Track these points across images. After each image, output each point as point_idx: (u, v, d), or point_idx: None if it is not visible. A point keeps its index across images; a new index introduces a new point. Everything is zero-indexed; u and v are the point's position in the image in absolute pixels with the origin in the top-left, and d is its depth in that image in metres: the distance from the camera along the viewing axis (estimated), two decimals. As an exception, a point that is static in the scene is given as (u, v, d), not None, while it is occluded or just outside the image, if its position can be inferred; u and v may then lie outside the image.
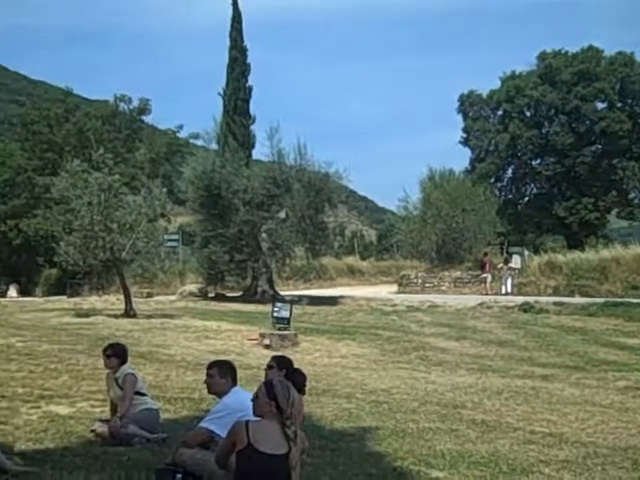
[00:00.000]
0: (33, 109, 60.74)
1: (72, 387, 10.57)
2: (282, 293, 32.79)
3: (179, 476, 5.06)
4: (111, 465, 6.31)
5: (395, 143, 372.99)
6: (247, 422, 4.91)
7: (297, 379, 6.62)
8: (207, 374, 6.44)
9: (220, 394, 6.39)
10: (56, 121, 56.31)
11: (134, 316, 23.50)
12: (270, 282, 33.25)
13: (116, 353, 7.91)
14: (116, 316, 23.34)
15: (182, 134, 59.64)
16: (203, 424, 6.09)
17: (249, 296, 32.15)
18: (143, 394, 7.85)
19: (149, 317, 23.31)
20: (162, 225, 28.28)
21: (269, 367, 7.18)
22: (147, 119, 60.69)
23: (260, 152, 40.58)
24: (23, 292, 47.44)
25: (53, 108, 57.85)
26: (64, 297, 37.81)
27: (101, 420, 7.69)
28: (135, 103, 58.40)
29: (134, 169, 49.14)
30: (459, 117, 57.89)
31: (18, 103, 71.16)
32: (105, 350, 8.04)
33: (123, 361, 7.85)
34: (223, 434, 5.70)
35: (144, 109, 58.50)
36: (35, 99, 68.83)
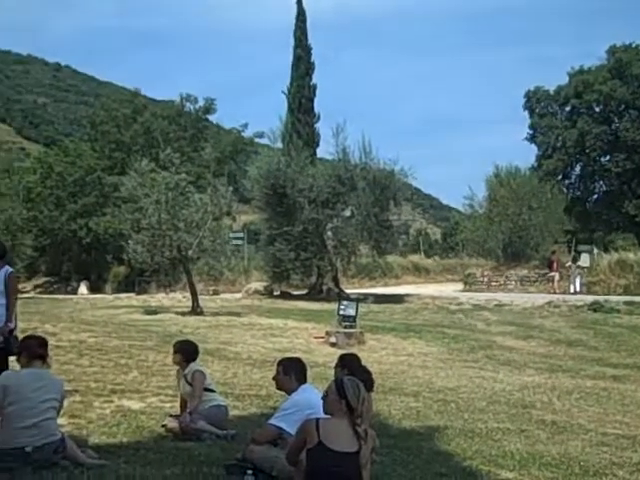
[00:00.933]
0: (102, 110, 61.90)
1: (142, 382, 10.74)
2: (347, 291, 32.78)
3: (249, 472, 5.08)
4: (182, 460, 6.37)
5: (460, 140, 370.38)
6: (317, 420, 4.91)
7: (363, 377, 6.60)
8: (276, 371, 6.48)
9: (288, 391, 6.40)
10: (124, 121, 57.26)
11: (201, 313, 23.77)
12: (335, 280, 33.29)
13: (183, 350, 8.00)
14: (183, 313, 23.63)
15: (247, 133, 60.14)
16: (272, 421, 6.11)
17: (314, 294, 32.24)
18: (212, 390, 7.92)
19: (216, 314, 23.54)
20: (227, 223, 28.49)
21: (336, 366, 7.18)
22: (212, 118, 61.34)
23: (325, 150, 40.87)
24: (93, 289, 48.39)
25: (121, 109, 58.85)
26: (133, 294, 38.45)
27: (171, 415, 7.78)
28: (200, 103, 59.08)
29: (200, 168, 49.61)
30: (525, 113, 57.02)
31: (87, 104, 72.29)
32: (174, 346, 8.15)
33: (192, 358, 7.92)
34: (292, 431, 5.71)
35: (209, 108, 59.10)
36: (104, 100, 70.13)
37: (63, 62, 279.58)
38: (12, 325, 9.01)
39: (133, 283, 44.79)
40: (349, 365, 6.87)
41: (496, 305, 27.60)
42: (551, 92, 55.77)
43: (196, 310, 24.24)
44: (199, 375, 7.73)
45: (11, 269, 9.48)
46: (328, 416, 4.98)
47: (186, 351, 7.95)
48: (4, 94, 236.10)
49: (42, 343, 6.58)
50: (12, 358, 8.14)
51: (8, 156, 64.89)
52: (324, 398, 5.07)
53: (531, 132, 56.67)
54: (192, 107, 59.13)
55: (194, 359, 7.93)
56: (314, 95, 44.20)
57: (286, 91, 43.67)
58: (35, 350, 6.44)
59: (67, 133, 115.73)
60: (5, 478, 5.47)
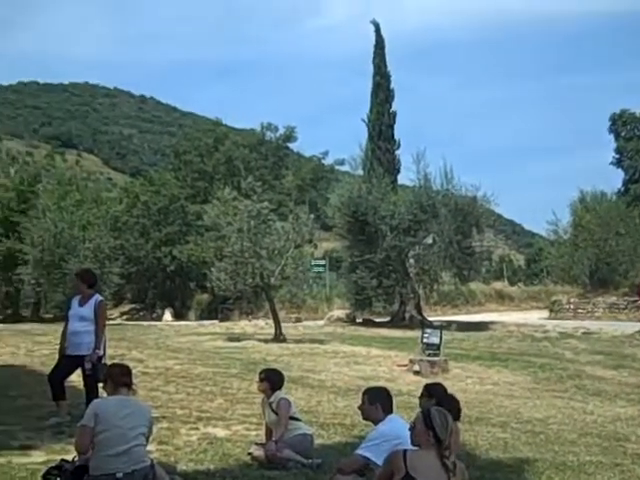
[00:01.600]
0: (185, 140, 63.24)
1: (227, 410, 10.79)
2: (430, 318, 32.47)
3: (337, 502, 5.03)
4: (268, 489, 6.37)
5: (542, 165, 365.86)
6: (405, 451, 4.83)
7: (450, 405, 6.49)
8: (361, 400, 6.42)
9: (374, 421, 6.34)
10: (206, 151, 58.33)
11: (284, 341, 23.84)
12: (418, 307, 33.06)
13: (269, 378, 8.01)
14: (266, 341, 23.75)
15: (327, 160, 60.48)
16: (359, 451, 6.05)
17: (397, 321, 32.08)
18: (297, 419, 7.91)
19: (298, 342, 23.58)
20: (309, 251, 28.65)
21: (422, 396, 7.07)
22: (293, 146, 61.93)
23: (405, 177, 40.65)
24: (177, 316, 49.14)
25: (204, 138, 59.99)
26: (216, 321, 38.87)
27: (257, 443, 7.79)
28: (281, 131, 59.78)
29: (281, 196, 50.14)
30: (611, 137, 55.92)
31: (170, 134, 73.90)
32: (260, 374, 8.17)
33: (277, 387, 7.93)
34: (379, 462, 5.64)
35: (290, 136, 59.73)
36: (186, 130, 71.58)
37: (148, 94, 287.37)
38: (101, 352, 9.22)
39: (216, 310, 45.31)
40: (436, 395, 6.77)
41: (584, 333, 26.95)
42: (637, 115, 54.59)
43: (279, 337, 24.34)
44: (285, 403, 7.73)
45: (101, 298, 9.72)
46: (415, 447, 4.90)
47: (272, 380, 7.96)
48: (92, 126, 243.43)
49: (126, 371, 6.67)
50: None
51: (96, 186, 66.66)
52: (411, 429, 4.99)
53: (617, 156, 55.49)
54: (273, 135, 59.92)
55: (280, 387, 7.93)
56: (394, 122, 44.08)
57: (366, 118, 43.73)
58: (119, 378, 6.53)
59: (152, 163, 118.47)
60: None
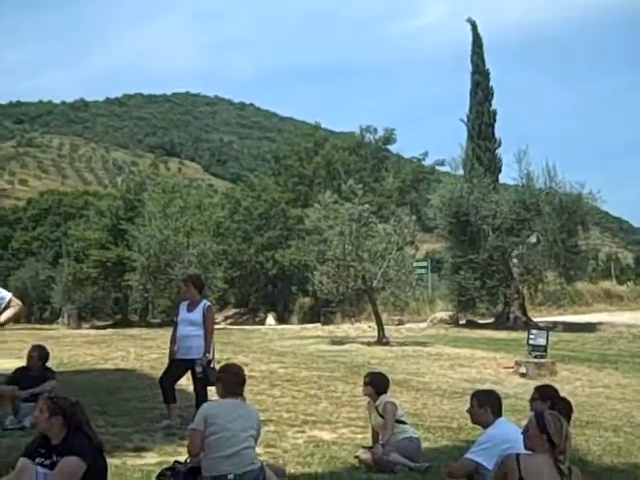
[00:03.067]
0: (284, 144, 63.83)
1: (333, 413, 10.83)
2: (535, 319, 31.84)
3: (447, 507, 4.98)
4: (377, 492, 6.36)
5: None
6: (518, 455, 4.75)
7: (563, 408, 6.35)
8: (470, 404, 6.34)
9: (483, 424, 6.25)
10: (306, 155, 58.72)
11: (387, 344, 23.77)
12: (522, 308, 32.45)
13: (374, 382, 8.00)
14: (369, 343, 23.73)
15: (427, 161, 60.03)
16: (469, 455, 5.97)
17: (501, 323, 31.56)
18: (404, 422, 7.87)
19: (402, 345, 23.49)
20: (411, 253, 28.43)
21: (533, 399, 6.94)
22: (392, 148, 61.65)
23: (507, 176, 39.99)
24: (280, 320, 49.60)
25: (303, 142, 60.40)
26: (318, 325, 39.03)
27: (364, 447, 7.79)
28: (380, 133, 59.59)
29: (382, 198, 49.98)
30: None
31: (270, 140, 74.98)
32: (365, 378, 8.17)
33: (383, 390, 7.91)
34: (489, 466, 5.57)
35: (389, 138, 59.50)
36: (286, 135, 72.25)
37: (247, 101, 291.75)
38: (210, 356, 9.39)
39: (318, 313, 45.47)
40: (549, 397, 6.64)
41: (699, 333, 25.95)
42: None
43: (382, 340, 24.28)
44: (391, 407, 7.70)
45: (209, 303, 9.91)
46: (529, 452, 4.81)
47: (377, 383, 7.95)
48: (193, 134, 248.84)
49: (236, 373, 6.76)
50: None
51: (198, 193, 68.01)
52: (524, 433, 4.90)
53: None
54: (372, 138, 59.79)
55: (385, 391, 7.92)
56: (494, 120, 43.35)
57: (465, 118, 43.19)
58: (230, 380, 6.62)
59: (252, 168, 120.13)
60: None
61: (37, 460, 5.12)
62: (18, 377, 9.80)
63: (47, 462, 5.10)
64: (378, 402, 7.78)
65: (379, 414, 7.73)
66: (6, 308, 6.72)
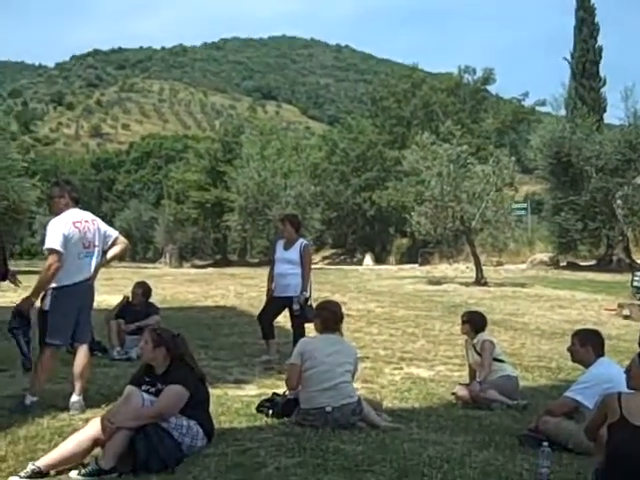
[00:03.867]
0: (381, 86, 63.20)
1: (430, 351, 10.85)
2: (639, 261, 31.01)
3: (545, 444, 4.93)
4: (473, 428, 6.35)
5: None
6: (619, 394, 4.65)
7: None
8: (571, 342, 6.24)
9: (585, 363, 6.15)
10: (403, 96, 58.09)
11: (485, 284, 23.62)
12: (627, 250, 31.67)
13: (471, 320, 7.95)
14: (467, 284, 23.61)
15: (528, 102, 58.62)
16: (569, 394, 5.89)
17: (603, 265, 30.94)
18: (501, 361, 7.81)
19: (500, 285, 23.28)
20: (509, 194, 28.00)
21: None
22: (491, 88, 60.42)
23: (612, 115, 38.69)
24: (377, 260, 49.78)
25: (400, 84, 59.68)
26: (416, 265, 39.03)
27: (461, 384, 7.78)
28: (479, 73, 58.35)
29: (480, 139, 49.17)
30: None
31: (366, 82, 74.36)
32: (463, 317, 8.13)
33: (480, 329, 7.86)
34: (589, 405, 5.50)
35: (488, 79, 58.22)
36: (383, 77, 71.45)
37: (343, 43, 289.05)
38: (307, 294, 9.50)
39: (416, 254, 45.44)
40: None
41: None
42: None
43: (480, 281, 24.13)
44: (488, 345, 7.66)
45: (306, 241, 9.98)
46: (631, 391, 4.70)
47: (475, 321, 7.90)
48: (290, 77, 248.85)
49: (334, 309, 6.82)
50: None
51: (296, 135, 68.27)
52: (627, 372, 4.79)
53: None
54: (471, 78, 58.62)
55: (482, 329, 7.86)
56: (599, 58, 41.95)
57: (569, 56, 41.83)
58: (327, 317, 6.69)
59: (348, 111, 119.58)
60: (310, 434, 5.77)
61: (143, 388, 5.31)
62: (124, 311, 10.17)
63: (152, 390, 5.29)
64: (476, 340, 7.74)
65: (476, 352, 7.69)
66: (113, 246, 6.93)
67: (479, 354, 7.64)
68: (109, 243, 6.90)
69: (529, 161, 34.72)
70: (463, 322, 7.99)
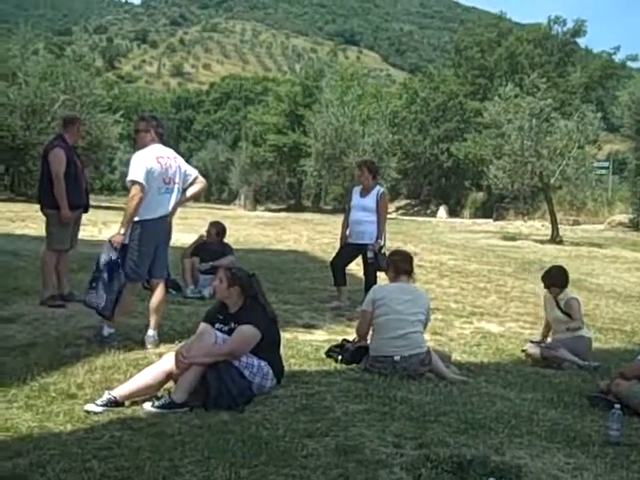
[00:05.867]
0: (466, 35, 61.97)
1: (501, 307, 10.75)
2: None
3: (617, 407, 4.86)
4: (542, 386, 6.29)
5: None
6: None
7: None
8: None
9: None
10: (488, 46, 56.89)
11: (560, 242, 23.26)
12: None
13: (553, 277, 7.81)
14: (542, 242, 23.28)
15: (619, 56, 56.83)
16: (641, 357, 5.80)
17: (687, 230, 30.11)
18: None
19: (576, 245, 22.88)
20: (592, 152, 27.29)
21: None
22: (581, 41, 58.91)
23: None
24: (451, 213, 49.39)
25: (485, 33, 58.42)
26: (490, 220, 38.61)
27: (532, 341, 7.71)
28: (569, 25, 56.64)
29: (565, 94, 47.90)
30: None
31: (451, 30, 73.25)
32: (548, 271, 7.97)
33: (565, 285, 7.74)
34: (664, 370, 5.41)
35: (579, 31, 56.49)
36: (468, 25, 70.02)
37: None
38: (382, 242, 9.48)
39: (491, 209, 44.93)
40: None
41: None
42: None
43: (555, 239, 23.75)
44: (575, 303, 7.56)
45: (383, 189, 9.94)
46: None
47: (559, 277, 7.77)
48: (373, 23, 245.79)
49: (407, 259, 6.80)
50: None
51: (376, 82, 67.61)
52: None
53: None
54: (560, 30, 56.95)
55: (566, 286, 7.75)
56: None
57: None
58: (401, 265, 6.68)
59: (430, 59, 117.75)
60: (379, 382, 5.81)
61: (216, 326, 5.40)
62: (198, 250, 10.29)
63: (225, 328, 5.37)
64: (562, 296, 7.63)
65: (559, 308, 7.59)
66: (192, 185, 7.01)
67: (564, 312, 7.54)
68: (189, 181, 6.98)
69: (616, 119, 33.80)
70: (548, 277, 7.85)
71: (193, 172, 7.07)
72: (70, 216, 8.27)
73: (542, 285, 7.94)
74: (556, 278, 7.76)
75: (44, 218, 8.60)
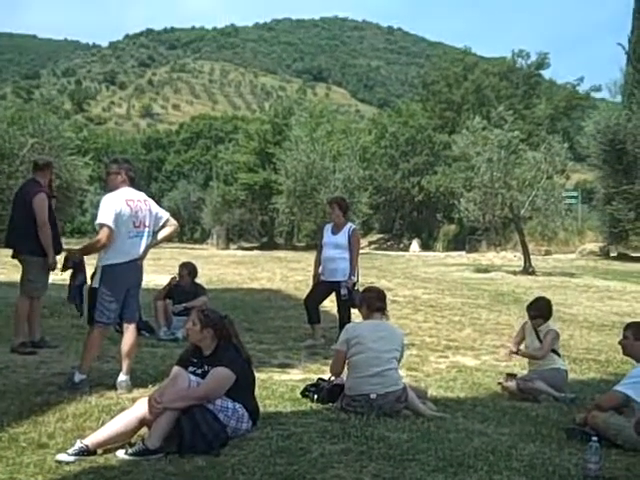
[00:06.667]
0: (433, 70, 62.78)
1: (476, 340, 10.75)
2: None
3: (595, 439, 4.85)
4: (520, 419, 6.27)
5: None
6: (672, 389, 4.57)
7: None
8: (623, 335, 6.13)
9: (637, 357, 6.04)
10: (455, 80, 57.63)
11: (533, 273, 23.37)
12: (683, 241, 31.13)
13: (538, 308, 7.80)
14: (515, 273, 23.37)
15: (582, 87, 57.77)
16: (619, 388, 5.78)
17: (656, 257, 30.41)
18: (557, 354, 7.70)
19: (548, 275, 23.01)
20: (560, 182, 27.60)
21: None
22: (545, 73, 59.69)
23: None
24: (424, 247, 49.56)
25: (452, 67, 59.20)
26: (463, 252, 38.78)
27: (508, 374, 7.69)
28: (533, 58, 57.66)
29: (532, 125, 48.57)
30: None
31: (418, 65, 74.23)
32: (534, 302, 7.95)
33: (549, 316, 7.74)
34: (640, 400, 5.40)
35: (542, 63, 57.53)
36: (434, 60, 70.94)
37: (395, 25, 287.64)
38: (355, 279, 9.48)
39: (463, 241, 45.17)
40: None
41: None
42: None
43: (528, 270, 23.87)
44: (551, 334, 7.56)
45: (354, 226, 9.96)
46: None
47: (545, 309, 7.76)
48: (341, 59, 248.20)
49: (381, 296, 6.78)
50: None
51: (345, 118, 68.10)
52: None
53: None
54: (524, 63, 57.97)
55: (549, 317, 7.75)
56: (658, 43, 40.94)
57: (627, 40, 40.92)
58: (374, 303, 6.66)
59: (399, 94, 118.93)
60: (355, 421, 5.76)
61: (190, 369, 5.34)
62: (171, 292, 10.23)
63: (199, 371, 5.31)
64: (542, 327, 7.63)
65: (538, 338, 7.59)
66: (163, 227, 6.98)
67: (541, 341, 7.55)
68: (160, 224, 6.95)
69: (582, 148, 34.25)
70: (536, 308, 7.84)
71: (164, 215, 7.04)
72: (56, 262, 8.18)
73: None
74: (543, 309, 7.77)
75: (15, 263, 8.48)
